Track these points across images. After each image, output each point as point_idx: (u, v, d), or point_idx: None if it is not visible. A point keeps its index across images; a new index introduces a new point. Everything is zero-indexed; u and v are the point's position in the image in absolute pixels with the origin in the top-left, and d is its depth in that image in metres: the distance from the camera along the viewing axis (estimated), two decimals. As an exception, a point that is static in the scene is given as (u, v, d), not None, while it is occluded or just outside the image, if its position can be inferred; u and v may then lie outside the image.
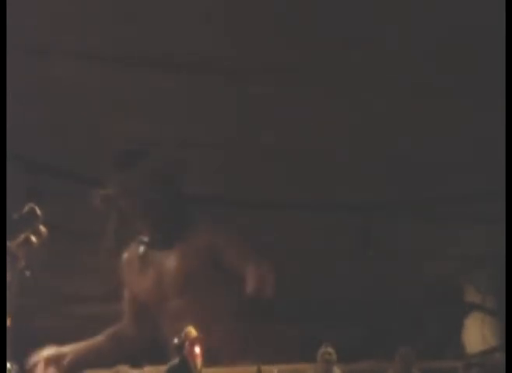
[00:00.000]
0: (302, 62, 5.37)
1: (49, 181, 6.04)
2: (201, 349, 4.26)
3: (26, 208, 3.78)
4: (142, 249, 5.89)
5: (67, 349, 5.64)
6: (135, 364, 4.73)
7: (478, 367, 4.10)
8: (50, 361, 5.55)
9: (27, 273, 3.85)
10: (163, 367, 4.41)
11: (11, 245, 3.66)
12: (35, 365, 5.42)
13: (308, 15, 4.92)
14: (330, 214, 7.04)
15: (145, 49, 5.18)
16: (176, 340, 4.33)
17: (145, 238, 5.86)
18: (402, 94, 5.70)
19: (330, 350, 4.55)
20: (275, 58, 5.33)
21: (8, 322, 3.63)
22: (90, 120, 5.87)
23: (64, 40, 5.08)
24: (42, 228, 3.78)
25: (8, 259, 3.61)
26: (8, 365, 3.89)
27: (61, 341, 5.58)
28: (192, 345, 4.25)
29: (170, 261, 5.76)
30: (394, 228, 7.19)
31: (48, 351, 5.65)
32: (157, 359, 4.76)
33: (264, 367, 4.69)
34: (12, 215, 3.71)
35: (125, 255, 5.96)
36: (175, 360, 4.32)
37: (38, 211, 3.74)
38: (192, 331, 4.35)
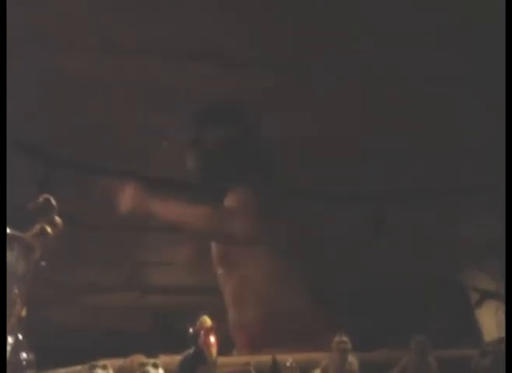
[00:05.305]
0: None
1: (62, 172, 6.07)
2: (217, 338, 4.26)
3: (41, 199, 3.78)
4: None
5: None
6: (150, 353, 4.73)
7: (493, 355, 4.09)
8: None
9: (43, 263, 3.86)
10: (179, 357, 4.41)
11: (26, 235, 3.67)
12: None
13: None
14: (342, 203, 7.05)
15: (159, 40, 5.19)
16: (191, 330, 4.34)
17: None
18: (414, 84, 5.70)
19: (345, 338, 4.53)
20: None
21: (23, 313, 3.64)
22: (102, 111, 5.89)
23: (71, 32, 5.09)
24: (57, 219, 3.78)
25: (24, 249, 3.62)
26: (24, 355, 3.91)
27: (75, 330, 5.60)
28: (207, 334, 4.25)
29: None
30: (407, 217, 7.18)
31: None
32: (172, 348, 4.76)
33: (279, 356, 4.67)
34: (26, 206, 3.72)
35: None
36: (190, 350, 4.32)
37: (53, 202, 3.74)
38: (207, 320, 4.34)
